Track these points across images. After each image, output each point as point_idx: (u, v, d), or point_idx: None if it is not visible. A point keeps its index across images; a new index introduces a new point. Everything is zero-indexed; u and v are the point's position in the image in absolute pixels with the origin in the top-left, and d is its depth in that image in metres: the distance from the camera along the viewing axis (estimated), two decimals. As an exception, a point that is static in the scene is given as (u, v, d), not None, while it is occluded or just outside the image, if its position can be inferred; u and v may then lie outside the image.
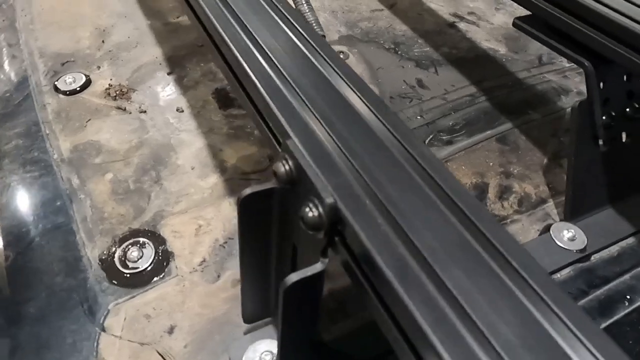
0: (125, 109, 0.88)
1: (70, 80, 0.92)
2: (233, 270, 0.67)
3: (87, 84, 0.93)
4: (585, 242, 0.71)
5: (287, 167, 0.41)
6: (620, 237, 0.74)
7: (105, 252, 0.69)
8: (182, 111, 0.88)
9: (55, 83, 0.92)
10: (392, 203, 0.37)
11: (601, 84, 0.71)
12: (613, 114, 0.72)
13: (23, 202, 0.76)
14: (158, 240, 0.70)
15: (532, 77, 1.00)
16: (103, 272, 0.67)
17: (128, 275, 0.67)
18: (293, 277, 0.38)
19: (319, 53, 0.53)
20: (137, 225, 0.72)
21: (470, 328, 0.30)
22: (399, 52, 1.04)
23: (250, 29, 0.54)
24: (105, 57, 0.99)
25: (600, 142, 0.73)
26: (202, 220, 0.73)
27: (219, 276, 0.67)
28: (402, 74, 0.99)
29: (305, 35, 0.55)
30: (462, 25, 1.13)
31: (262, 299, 0.58)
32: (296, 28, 0.56)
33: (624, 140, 0.75)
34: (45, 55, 1.00)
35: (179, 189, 0.77)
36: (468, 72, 1.00)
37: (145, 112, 0.88)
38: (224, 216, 0.73)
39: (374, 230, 0.35)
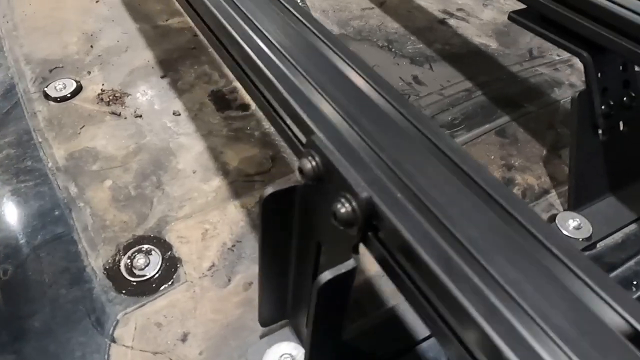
0: (120, 114, 0.86)
1: (61, 87, 0.90)
2: (244, 273, 0.66)
3: (78, 89, 0.90)
4: (591, 230, 0.72)
5: (313, 163, 0.40)
6: (623, 224, 0.75)
7: (110, 261, 0.67)
8: (179, 114, 0.86)
9: (45, 90, 0.90)
10: (425, 194, 0.37)
11: (599, 74, 0.72)
12: (611, 103, 0.73)
13: (19, 213, 0.73)
14: (164, 246, 0.69)
15: (524, 70, 1.01)
16: (109, 282, 0.65)
17: (135, 284, 0.65)
18: (327, 275, 0.38)
19: (330, 47, 0.52)
20: (141, 232, 0.70)
21: (522, 318, 0.30)
22: (393, 50, 1.04)
23: (260, 26, 0.53)
24: (95, 62, 0.97)
25: (600, 131, 0.74)
26: (208, 224, 0.71)
27: (229, 280, 0.66)
28: (397, 71, 0.99)
29: (315, 30, 0.54)
30: (452, 22, 1.13)
31: (279, 301, 0.57)
32: (304, 23, 0.56)
33: (621, 129, 0.76)
34: (32, 62, 0.97)
35: (182, 194, 0.75)
36: (462, 67, 1.00)
37: (141, 116, 0.86)
38: (230, 219, 0.72)
39: (412, 223, 0.34)
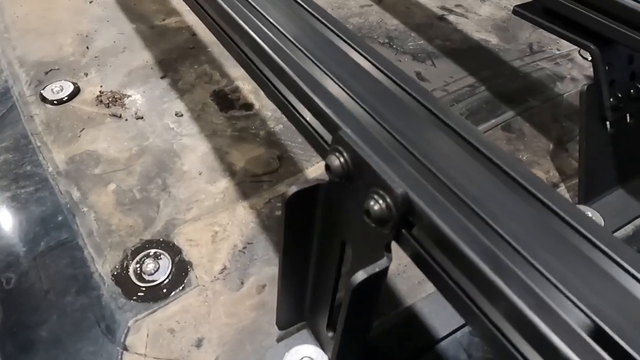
0: (120, 116, 0.84)
1: (58, 89, 0.87)
2: (256, 275, 0.65)
3: (76, 92, 0.88)
4: (602, 223, 0.72)
5: (342, 159, 0.39)
6: (633, 216, 0.75)
7: (117, 267, 0.65)
8: (182, 115, 0.85)
9: (42, 92, 0.87)
10: (460, 188, 0.36)
11: (606, 67, 0.72)
12: (619, 95, 0.73)
13: (20, 219, 0.71)
14: (173, 250, 0.67)
15: (526, 65, 1.01)
16: (118, 288, 0.63)
17: (145, 289, 0.63)
18: (361, 275, 0.36)
19: (346, 41, 0.51)
20: (148, 236, 0.68)
21: (575, 313, 0.29)
22: (394, 47, 1.03)
23: (273, 21, 0.52)
24: (92, 64, 0.94)
25: (608, 124, 0.74)
26: (217, 226, 0.70)
27: (242, 283, 0.64)
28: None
29: (329, 24, 0.53)
30: (451, 18, 1.13)
31: (297, 303, 0.55)
32: (317, 17, 0.54)
33: (628, 121, 0.76)
34: (26, 65, 0.94)
35: (189, 196, 0.73)
36: (464, 63, 1.00)
37: (142, 118, 0.84)
38: (240, 221, 0.70)
39: (452, 219, 0.33)
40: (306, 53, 0.47)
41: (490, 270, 0.30)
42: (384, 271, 0.37)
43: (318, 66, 0.46)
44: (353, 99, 0.43)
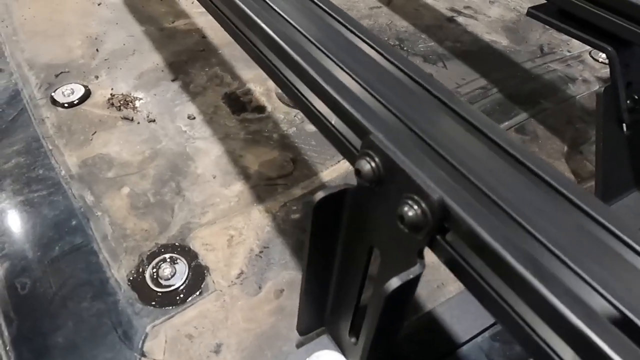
0: (132, 119, 0.84)
1: (69, 92, 0.87)
2: (274, 280, 0.64)
3: (87, 95, 0.87)
4: (620, 226, 0.71)
5: (372, 164, 0.38)
6: (650, 219, 0.74)
7: (133, 272, 0.64)
8: (194, 118, 0.84)
9: (52, 95, 0.87)
10: (495, 192, 0.35)
11: (623, 69, 0.72)
12: (636, 97, 0.73)
13: (33, 224, 0.70)
14: (189, 254, 0.66)
15: (537, 67, 1.01)
16: (134, 293, 0.63)
17: (162, 294, 0.63)
18: (395, 282, 0.36)
19: (368, 43, 0.50)
20: (164, 240, 0.68)
21: (622, 321, 0.28)
22: (405, 48, 1.03)
23: (294, 24, 0.51)
24: (102, 66, 0.94)
25: (625, 126, 0.73)
26: (232, 230, 0.69)
27: (260, 288, 0.63)
28: (411, 69, 0.97)
29: (349, 25, 0.52)
30: (460, 19, 1.13)
31: (318, 309, 0.55)
32: (336, 18, 0.54)
33: (644, 123, 0.75)
34: (36, 67, 0.94)
35: (204, 199, 0.73)
36: (475, 64, 1.00)
37: (154, 121, 0.83)
38: (255, 224, 0.70)
39: (489, 225, 0.33)
40: (329, 55, 0.47)
41: (531, 274, 0.29)
42: (417, 278, 0.37)
43: (342, 69, 0.46)
44: (380, 102, 0.43)
